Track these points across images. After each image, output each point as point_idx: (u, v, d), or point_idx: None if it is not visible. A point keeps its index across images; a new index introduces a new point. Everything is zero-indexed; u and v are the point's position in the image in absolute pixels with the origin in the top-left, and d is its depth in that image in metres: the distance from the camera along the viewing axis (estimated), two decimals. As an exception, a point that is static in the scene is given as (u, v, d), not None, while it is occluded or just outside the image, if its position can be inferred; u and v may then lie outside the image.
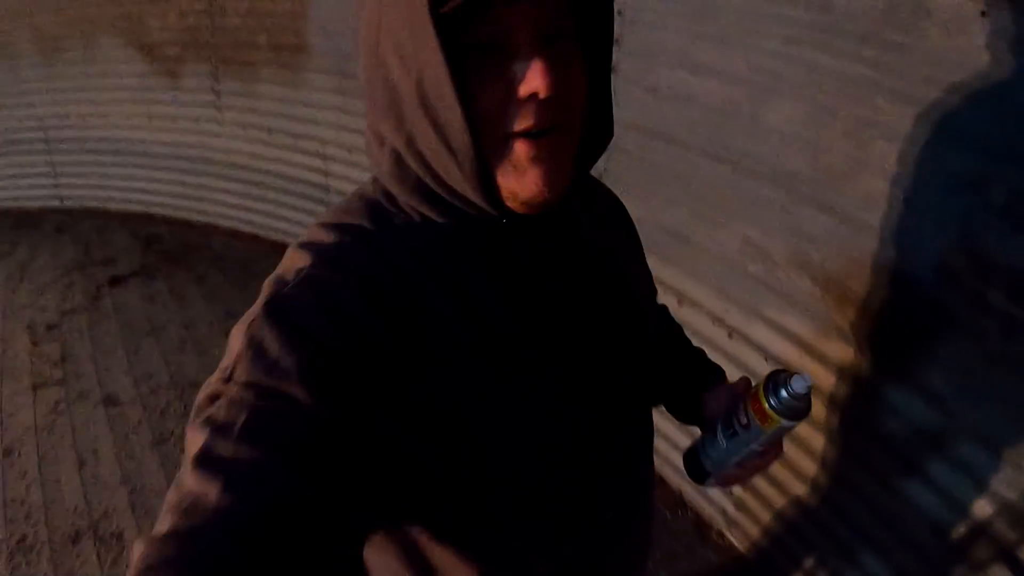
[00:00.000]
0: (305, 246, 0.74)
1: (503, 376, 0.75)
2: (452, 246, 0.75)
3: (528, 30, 0.66)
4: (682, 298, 2.38)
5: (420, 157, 0.72)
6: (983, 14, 1.48)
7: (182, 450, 2.61)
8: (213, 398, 0.63)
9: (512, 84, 0.66)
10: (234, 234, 4.70)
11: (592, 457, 0.87)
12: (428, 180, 0.74)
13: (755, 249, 2.10)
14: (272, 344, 0.63)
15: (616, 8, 2.22)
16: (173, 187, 4.77)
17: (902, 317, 1.79)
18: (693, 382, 1.13)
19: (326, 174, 4.02)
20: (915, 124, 1.65)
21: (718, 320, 2.29)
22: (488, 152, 0.69)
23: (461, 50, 0.64)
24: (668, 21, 2.10)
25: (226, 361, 0.65)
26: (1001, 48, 1.46)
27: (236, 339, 0.66)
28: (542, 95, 0.65)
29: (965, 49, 1.53)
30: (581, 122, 0.76)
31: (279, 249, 3.56)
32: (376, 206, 0.80)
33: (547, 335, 0.79)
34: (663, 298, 2.32)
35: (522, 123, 0.67)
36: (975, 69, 1.52)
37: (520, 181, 0.71)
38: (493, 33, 0.65)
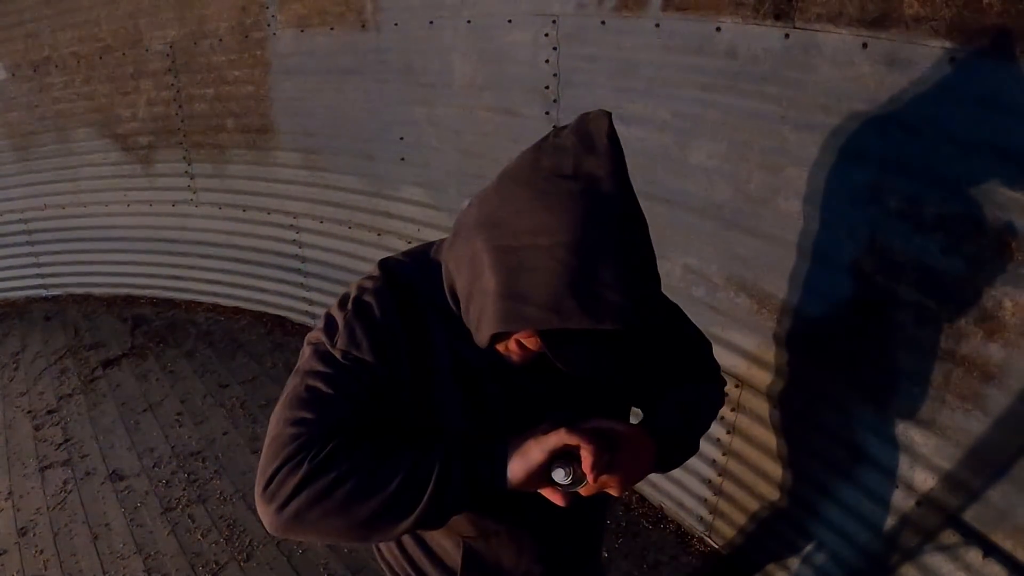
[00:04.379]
0: (382, 278, 1.07)
1: (459, 387, 1.06)
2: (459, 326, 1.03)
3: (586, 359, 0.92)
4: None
5: (464, 295, 0.98)
6: (864, 46, 1.70)
7: (190, 516, 2.74)
8: (320, 345, 1.02)
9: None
10: (217, 308, 4.83)
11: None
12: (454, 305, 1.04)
13: (696, 275, 2.30)
14: (359, 332, 1.00)
15: (552, 72, 2.44)
16: (154, 268, 4.88)
17: (831, 319, 1.98)
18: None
19: (299, 244, 4.18)
20: (819, 148, 1.87)
21: (674, 340, 2.46)
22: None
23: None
24: (597, 79, 2.32)
25: (326, 331, 1.02)
26: (883, 73, 1.68)
27: (337, 316, 1.03)
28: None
29: (853, 78, 1.75)
30: None
31: (261, 319, 3.75)
32: (427, 267, 1.08)
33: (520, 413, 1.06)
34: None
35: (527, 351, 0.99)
36: (863, 94, 1.74)
37: (507, 355, 1.02)
38: (562, 346, 0.91)
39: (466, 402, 1.06)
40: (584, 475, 0.95)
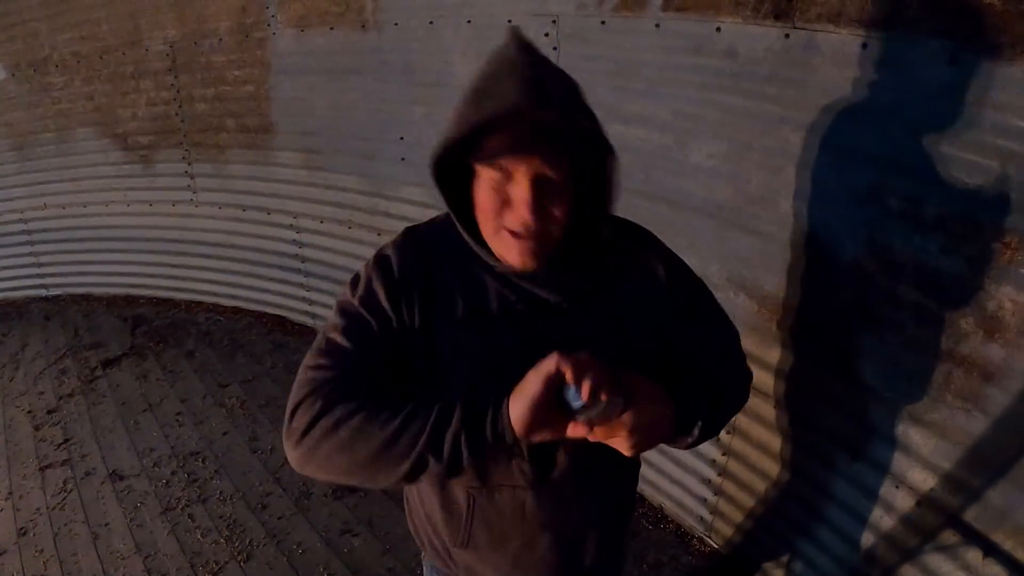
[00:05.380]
0: (402, 235, 1.21)
1: (476, 337, 1.12)
2: (471, 258, 1.14)
3: (527, 173, 1.00)
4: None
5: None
6: (864, 46, 1.70)
7: (190, 516, 2.75)
8: (343, 299, 1.15)
9: (507, 203, 1.03)
10: (217, 308, 4.83)
11: None
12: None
13: (697, 273, 2.30)
14: (376, 282, 1.12)
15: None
16: (154, 268, 4.89)
17: (830, 319, 1.99)
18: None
19: (299, 244, 4.19)
20: (818, 148, 1.87)
21: (674, 340, 2.46)
22: (486, 233, 1.09)
23: (480, 160, 1.01)
24: (597, 79, 2.32)
25: (351, 284, 1.15)
26: (883, 73, 1.68)
27: (361, 271, 1.15)
28: (525, 223, 1.02)
29: (853, 78, 1.75)
30: (568, 219, 1.08)
31: (261, 319, 3.75)
32: (445, 219, 1.20)
33: (515, 325, 1.13)
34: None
35: (508, 223, 1.04)
36: (863, 94, 1.74)
37: (508, 255, 1.08)
38: (503, 167, 1.00)
39: (481, 348, 1.12)
40: (600, 399, 0.94)
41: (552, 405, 0.95)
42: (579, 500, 1.26)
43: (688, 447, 1.19)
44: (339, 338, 1.09)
